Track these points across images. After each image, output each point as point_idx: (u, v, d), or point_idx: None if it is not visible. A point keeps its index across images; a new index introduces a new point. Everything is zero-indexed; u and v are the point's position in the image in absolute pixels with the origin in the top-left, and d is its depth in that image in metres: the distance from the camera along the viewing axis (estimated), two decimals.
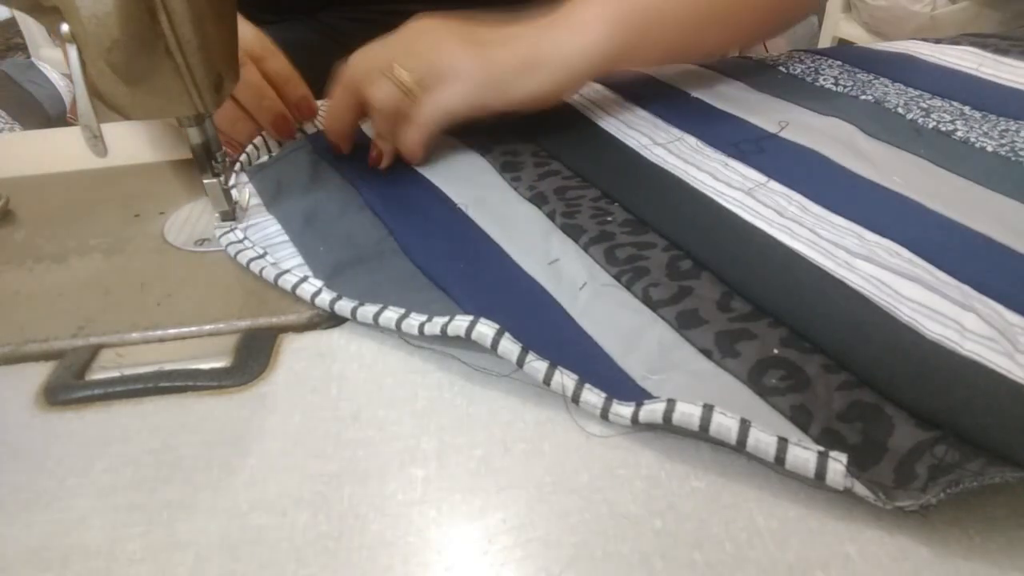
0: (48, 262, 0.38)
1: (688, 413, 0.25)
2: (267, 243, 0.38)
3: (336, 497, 0.25)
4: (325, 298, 0.33)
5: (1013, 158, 0.41)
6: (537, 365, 0.28)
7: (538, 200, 0.41)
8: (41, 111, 1.71)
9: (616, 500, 0.25)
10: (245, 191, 0.42)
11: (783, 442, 0.24)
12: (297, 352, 0.32)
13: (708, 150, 0.44)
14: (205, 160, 0.37)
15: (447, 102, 0.42)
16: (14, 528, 0.25)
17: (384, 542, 0.24)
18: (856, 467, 0.23)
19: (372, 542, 0.24)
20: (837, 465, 0.23)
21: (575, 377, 0.28)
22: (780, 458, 0.24)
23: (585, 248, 0.36)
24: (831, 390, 0.27)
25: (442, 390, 0.30)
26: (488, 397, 0.29)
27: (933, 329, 0.28)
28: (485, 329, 0.29)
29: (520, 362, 0.28)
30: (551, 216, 0.39)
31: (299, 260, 0.36)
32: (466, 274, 0.34)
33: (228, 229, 0.38)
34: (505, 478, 0.26)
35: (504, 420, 0.28)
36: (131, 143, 0.51)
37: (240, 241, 0.38)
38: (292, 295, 0.34)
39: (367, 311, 0.32)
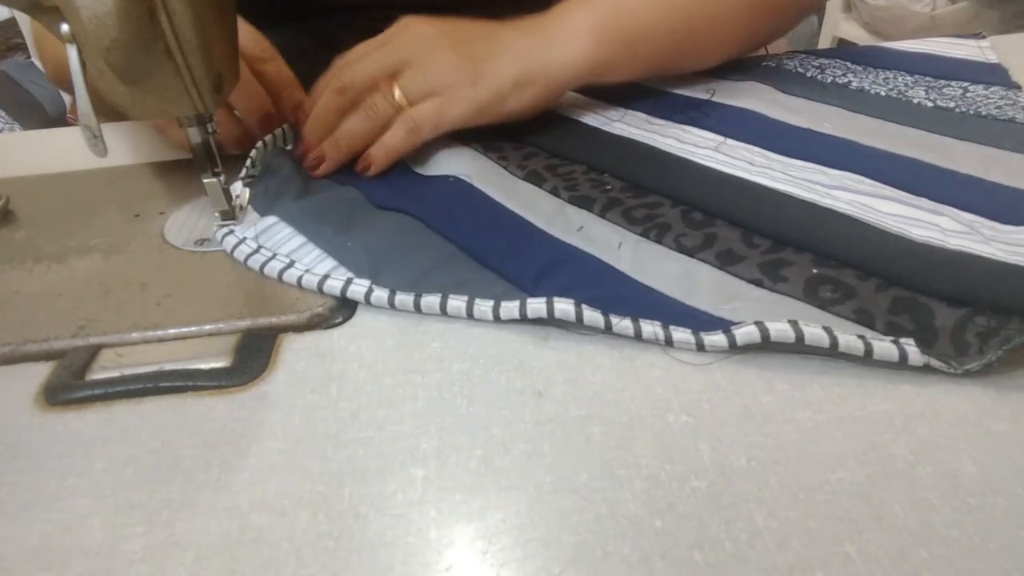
0: (48, 262, 0.38)
1: (782, 329, 0.29)
2: (284, 248, 0.37)
3: (336, 497, 0.25)
4: (381, 295, 0.33)
5: (903, 99, 0.49)
6: (624, 324, 0.30)
7: (534, 179, 0.42)
8: (41, 111, 1.71)
9: (616, 500, 0.25)
10: (245, 191, 0.42)
11: (864, 339, 0.28)
12: (297, 352, 0.32)
13: (659, 121, 0.47)
14: (205, 160, 0.37)
15: (444, 118, 0.43)
16: (14, 528, 0.25)
17: (384, 542, 0.24)
18: (924, 347, 0.28)
19: (372, 542, 0.24)
20: (911, 348, 0.28)
21: (658, 323, 0.30)
22: (868, 351, 0.28)
23: (602, 215, 0.38)
24: (873, 293, 0.31)
25: (442, 390, 0.30)
26: (488, 397, 0.29)
27: (920, 234, 0.33)
28: (565, 306, 0.31)
29: (607, 327, 0.31)
30: (555, 192, 0.41)
31: (332, 262, 0.36)
32: (510, 249, 0.36)
33: (238, 239, 0.38)
34: (505, 478, 0.26)
35: (504, 420, 0.28)
36: (131, 143, 0.51)
37: (256, 251, 0.37)
38: (341, 298, 0.34)
39: (431, 301, 0.33)
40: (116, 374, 0.31)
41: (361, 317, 0.34)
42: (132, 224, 0.41)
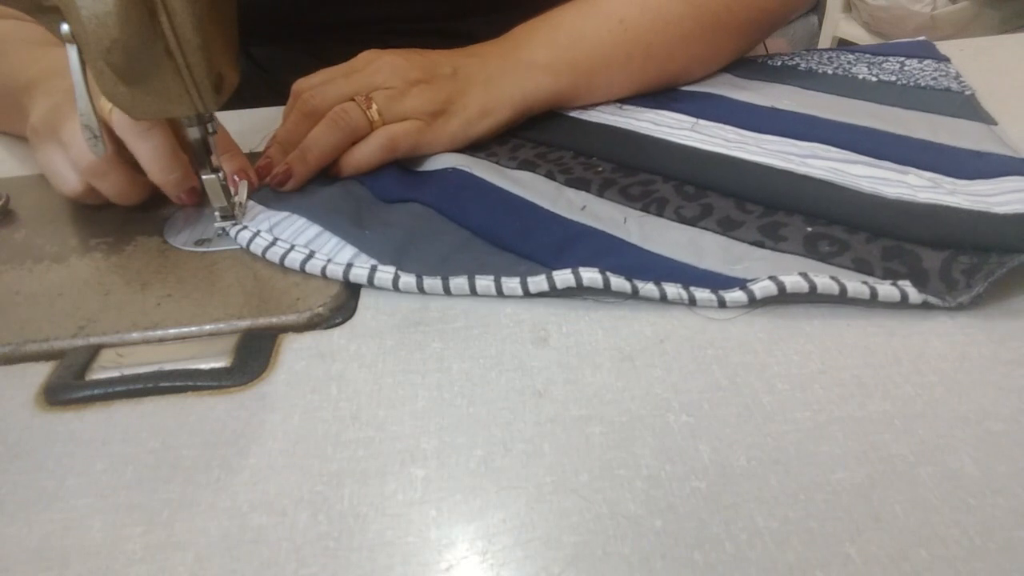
0: (48, 262, 0.38)
1: (795, 282, 0.31)
2: (301, 238, 0.37)
3: (336, 497, 0.25)
4: (409, 281, 0.34)
5: (849, 76, 0.53)
6: (649, 288, 0.32)
7: (528, 166, 0.43)
8: None
9: (616, 500, 0.25)
10: (244, 188, 0.42)
11: (868, 284, 0.31)
12: (297, 352, 0.32)
13: (631, 107, 0.49)
14: (204, 157, 0.37)
15: (422, 142, 0.43)
16: (14, 528, 0.25)
17: (384, 542, 0.24)
18: (919, 286, 0.31)
19: (372, 542, 0.24)
20: (909, 289, 0.31)
21: (679, 285, 0.32)
22: (874, 295, 0.31)
23: (600, 194, 0.40)
24: (864, 244, 0.34)
25: (442, 390, 0.30)
26: (488, 397, 0.29)
27: (891, 191, 0.36)
28: (592, 274, 0.32)
29: (634, 291, 0.32)
30: (550, 176, 0.42)
31: (353, 250, 0.36)
32: (523, 231, 0.36)
33: (253, 233, 0.37)
34: (505, 478, 0.26)
35: (504, 420, 0.28)
36: None
37: (273, 243, 0.37)
38: (367, 285, 0.35)
39: (460, 283, 0.34)
40: (116, 374, 0.31)
41: (361, 317, 0.34)
42: (132, 224, 0.41)
